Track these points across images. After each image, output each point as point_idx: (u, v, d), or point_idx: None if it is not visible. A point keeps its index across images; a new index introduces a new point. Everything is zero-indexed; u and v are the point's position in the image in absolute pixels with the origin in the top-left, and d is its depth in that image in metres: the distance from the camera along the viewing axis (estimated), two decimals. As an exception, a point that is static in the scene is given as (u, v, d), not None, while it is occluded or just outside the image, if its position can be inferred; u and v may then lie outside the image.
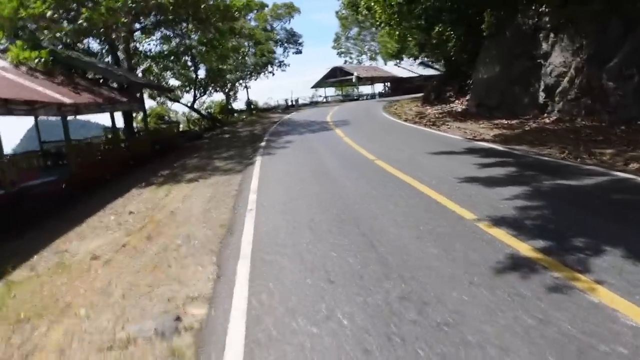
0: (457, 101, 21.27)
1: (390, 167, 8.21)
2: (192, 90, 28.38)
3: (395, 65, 73.63)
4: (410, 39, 21.18)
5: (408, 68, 71.58)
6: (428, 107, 22.64)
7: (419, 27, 17.48)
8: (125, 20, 15.36)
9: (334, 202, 6.26)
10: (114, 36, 17.55)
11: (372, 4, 22.76)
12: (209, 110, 39.44)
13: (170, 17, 19.07)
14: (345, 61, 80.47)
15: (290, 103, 50.48)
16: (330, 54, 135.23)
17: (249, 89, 37.56)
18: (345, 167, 9.00)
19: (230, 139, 19.70)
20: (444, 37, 16.81)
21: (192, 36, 26.58)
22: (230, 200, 7.59)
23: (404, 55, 26.97)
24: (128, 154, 15.57)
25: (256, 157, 12.38)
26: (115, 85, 16.81)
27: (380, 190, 6.62)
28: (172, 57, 27.10)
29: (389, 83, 69.61)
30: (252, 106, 36.86)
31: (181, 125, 29.29)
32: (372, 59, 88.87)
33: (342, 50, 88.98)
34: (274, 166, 10.60)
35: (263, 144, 15.39)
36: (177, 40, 26.18)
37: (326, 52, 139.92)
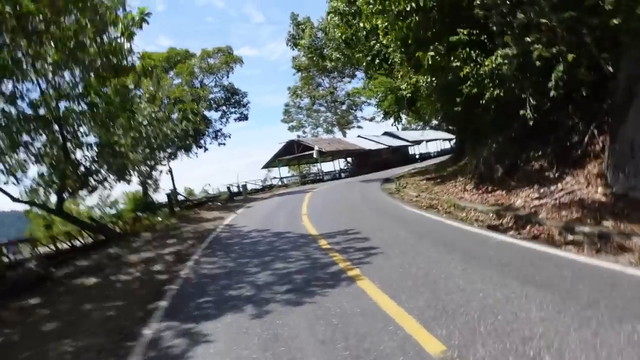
0: (568, 177, 11.10)
1: None
2: (58, 181, 16.82)
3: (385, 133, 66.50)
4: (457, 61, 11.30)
5: (373, 139, 64.26)
6: (502, 193, 12.30)
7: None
8: None
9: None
10: None
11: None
12: (113, 210, 27.82)
13: None
14: (298, 136, 71.99)
15: (237, 189, 39.37)
16: (280, 132, 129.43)
17: (171, 173, 26.68)
18: None
19: (72, 310, 8.21)
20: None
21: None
22: None
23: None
24: None
25: None
26: None
27: None
28: (26, 125, 15.90)
29: (351, 158, 61.10)
30: (172, 201, 25.42)
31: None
32: (328, 131, 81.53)
33: (294, 124, 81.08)
34: None
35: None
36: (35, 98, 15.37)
37: (275, 131, 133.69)
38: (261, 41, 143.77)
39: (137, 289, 8.55)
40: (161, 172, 25.05)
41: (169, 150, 23.67)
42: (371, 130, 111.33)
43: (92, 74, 14.92)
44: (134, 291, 8.41)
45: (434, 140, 77.31)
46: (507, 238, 8.06)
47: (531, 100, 11.61)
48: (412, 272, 6.43)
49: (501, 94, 11.71)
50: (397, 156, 61.74)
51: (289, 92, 77.61)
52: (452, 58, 12.38)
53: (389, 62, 16.73)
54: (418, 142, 71.94)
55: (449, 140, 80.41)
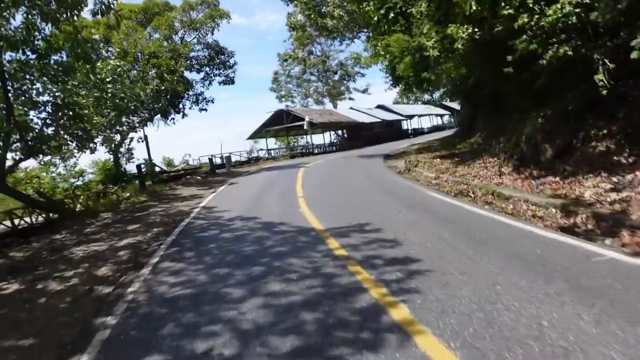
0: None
1: None
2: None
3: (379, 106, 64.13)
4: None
5: (365, 111, 61.44)
6: (556, 180, 9.75)
7: None
8: None
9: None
10: None
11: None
12: (80, 181, 24.91)
13: None
14: (287, 106, 68.85)
15: (220, 161, 36.41)
16: (267, 103, 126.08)
17: (146, 140, 23.58)
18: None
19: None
20: None
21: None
22: None
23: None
24: None
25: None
26: None
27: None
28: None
29: (342, 130, 58.14)
30: (142, 173, 22.27)
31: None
32: (318, 102, 78.23)
33: (283, 93, 77.42)
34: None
35: None
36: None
37: (262, 102, 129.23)
38: (250, 9, 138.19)
39: (62, 313, 5.78)
40: (132, 139, 22.02)
41: (141, 114, 20.62)
42: (362, 103, 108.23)
43: (35, 11, 11.96)
44: (56, 318, 5.64)
45: (427, 116, 74.83)
46: (613, 253, 5.45)
47: (607, 62, 8.93)
48: (506, 323, 3.79)
49: (569, 52, 8.96)
50: (390, 130, 59.22)
51: (278, 59, 73.91)
52: (502, 4, 9.55)
53: (408, 15, 13.82)
54: (410, 117, 69.32)
55: (441, 116, 77.89)
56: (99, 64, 17.75)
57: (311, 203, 11.18)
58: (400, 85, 20.09)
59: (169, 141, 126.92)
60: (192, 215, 12.05)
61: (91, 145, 18.36)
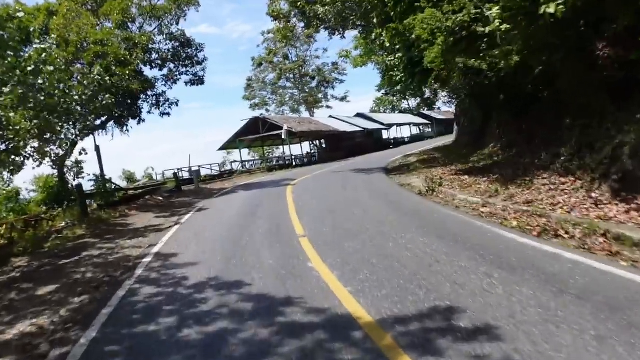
0: None
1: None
2: None
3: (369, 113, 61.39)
4: None
5: (346, 120, 58.36)
6: None
7: None
8: None
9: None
10: None
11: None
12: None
13: None
14: (262, 114, 65.32)
15: (188, 174, 32.32)
16: (240, 115, 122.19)
17: (98, 151, 19.43)
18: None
19: None
20: None
21: None
22: None
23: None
24: None
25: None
26: None
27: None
28: None
29: (320, 140, 54.64)
30: (83, 194, 17.86)
31: None
32: (294, 110, 74.75)
33: (257, 101, 73.54)
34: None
35: None
36: None
37: (234, 113, 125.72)
38: (221, 19, 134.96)
39: None
40: (73, 150, 17.81)
41: (85, 118, 16.40)
42: (339, 111, 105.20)
43: None
44: None
45: (406, 125, 72.31)
46: None
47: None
48: None
49: None
50: (371, 140, 56.29)
51: (252, 63, 70.09)
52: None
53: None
54: (390, 126, 66.41)
55: (419, 125, 75.12)
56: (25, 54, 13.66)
57: (324, 251, 7.33)
58: (427, 84, 16.14)
59: (133, 153, 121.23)
60: (139, 270, 7.90)
61: (16, 159, 14.14)
